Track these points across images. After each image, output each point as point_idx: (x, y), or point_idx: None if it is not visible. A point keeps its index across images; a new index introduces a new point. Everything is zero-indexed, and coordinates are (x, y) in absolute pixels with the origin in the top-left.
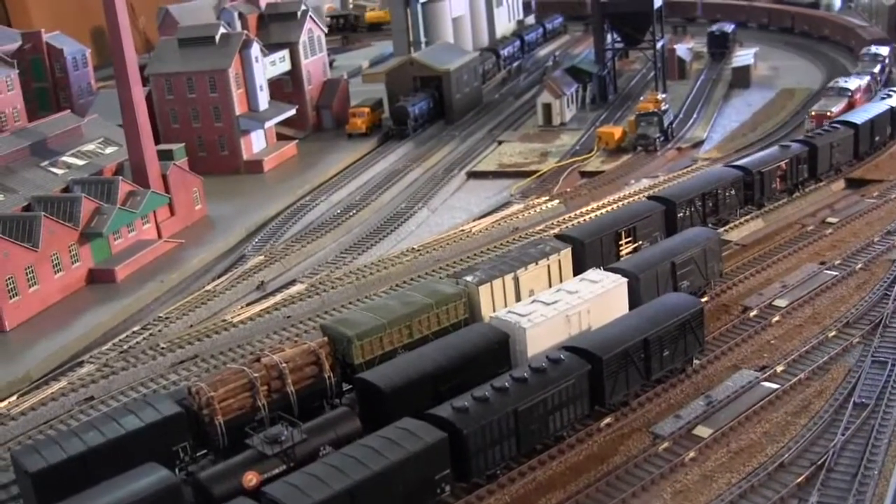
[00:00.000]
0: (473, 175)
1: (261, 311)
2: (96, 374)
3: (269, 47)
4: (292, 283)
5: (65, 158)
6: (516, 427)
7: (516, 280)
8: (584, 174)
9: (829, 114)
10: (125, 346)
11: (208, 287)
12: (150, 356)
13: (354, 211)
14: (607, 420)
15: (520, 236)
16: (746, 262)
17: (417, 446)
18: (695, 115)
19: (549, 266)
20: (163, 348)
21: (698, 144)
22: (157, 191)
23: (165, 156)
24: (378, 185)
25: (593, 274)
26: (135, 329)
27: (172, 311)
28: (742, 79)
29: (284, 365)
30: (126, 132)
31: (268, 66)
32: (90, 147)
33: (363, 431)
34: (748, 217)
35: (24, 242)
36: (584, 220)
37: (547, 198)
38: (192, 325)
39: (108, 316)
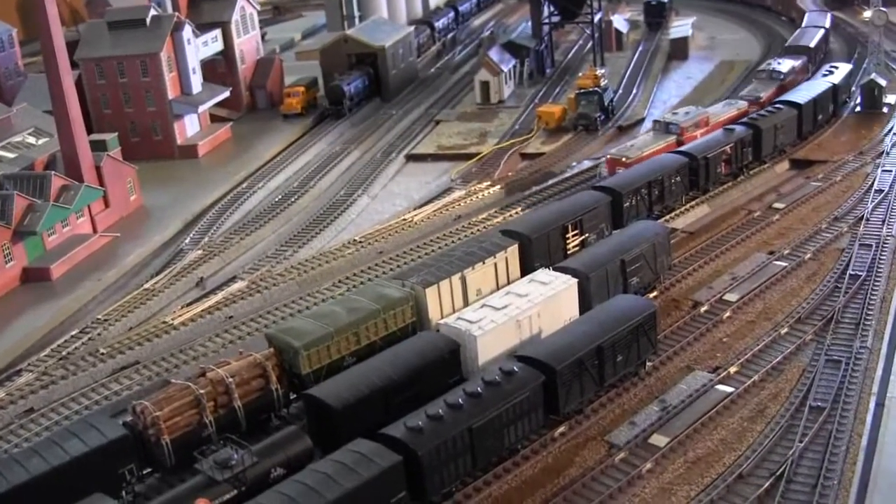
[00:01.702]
0: (412, 158)
1: (201, 311)
2: (35, 383)
3: (201, 27)
4: (233, 279)
5: None
6: (471, 444)
7: (463, 280)
8: (524, 156)
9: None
10: (64, 352)
11: (147, 285)
12: (90, 363)
13: (293, 199)
14: (561, 429)
15: (462, 225)
16: (694, 252)
17: (372, 471)
18: (634, 91)
19: (496, 264)
20: (102, 354)
21: (639, 122)
22: (90, 184)
23: (98, 146)
24: (316, 170)
25: (542, 275)
26: (73, 333)
27: (111, 312)
28: (680, 50)
29: (231, 379)
30: (57, 123)
31: (200, 47)
32: (20, 138)
33: (314, 450)
34: (693, 203)
35: None
36: (526, 211)
37: (488, 183)
38: (131, 328)
39: (45, 319)
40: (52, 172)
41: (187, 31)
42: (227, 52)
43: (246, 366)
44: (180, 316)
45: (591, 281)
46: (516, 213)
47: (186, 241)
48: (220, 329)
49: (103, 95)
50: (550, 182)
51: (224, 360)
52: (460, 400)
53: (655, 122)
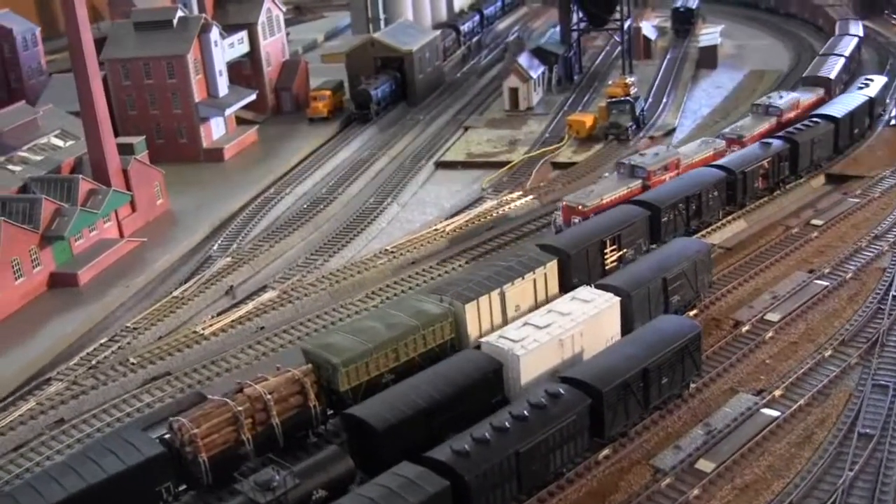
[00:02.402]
0: (442, 165)
1: (232, 321)
2: (65, 393)
3: (227, 29)
4: (263, 288)
5: (21, 153)
6: (518, 468)
7: (502, 296)
8: (556, 165)
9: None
10: (93, 361)
11: (175, 293)
12: (121, 373)
13: (322, 206)
14: (605, 452)
15: (495, 236)
16: (733, 268)
17: (420, 497)
18: (664, 100)
19: (534, 280)
20: (132, 364)
21: (670, 132)
22: (118, 188)
23: (125, 150)
24: (344, 176)
25: (584, 292)
26: (102, 341)
27: (140, 320)
28: (709, 59)
29: (269, 396)
30: (85, 127)
31: (226, 49)
32: (47, 140)
33: (356, 471)
34: (730, 218)
35: None
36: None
37: (520, 193)
38: (160, 337)
39: (73, 326)
40: (80, 176)
41: (214, 32)
42: (253, 54)
43: (284, 382)
44: (210, 326)
45: (633, 299)
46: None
47: (214, 247)
48: (252, 340)
49: (129, 97)
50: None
51: (261, 375)
52: (506, 423)
53: (619, 163)
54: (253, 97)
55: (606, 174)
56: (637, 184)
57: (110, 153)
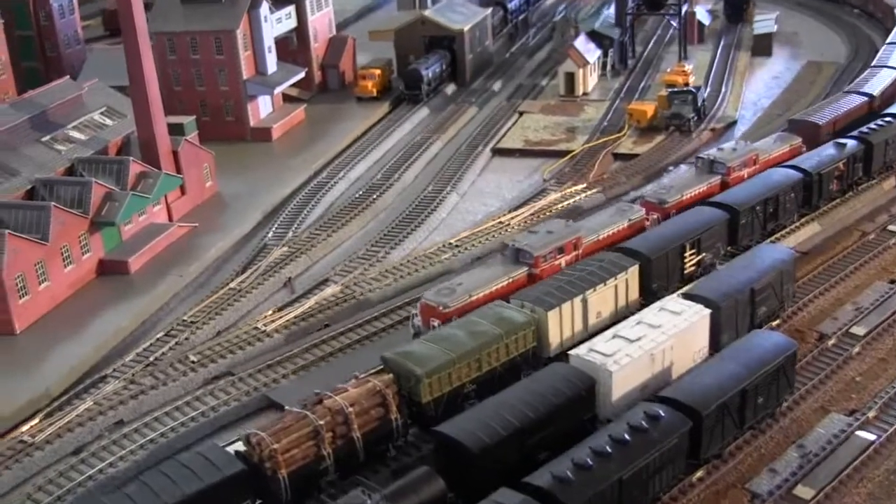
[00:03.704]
0: (499, 152)
1: (295, 318)
2: (124, 392)
3: (274, 3)
4: (324, 282)
5: (67, 132)
6: (619, 495)
7: (584, 303)
8: (616, 156)
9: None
10: (151, 358)
11: (232, 285)
12: (180, 371)
13: (378, 193)
14: (699, 474)
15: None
16: (812, 276)
17: None
18: (723, 89)
19: (616, 286)
20: (193, 362)
21: (731, 125)
22: (168, 171)
23: (175, 130)
24: (398, 161)
25: (673, 303)
26: (159, 336)
27: (197, 313)
28: (764, 46)
29: (350, 409)
30: (135, 106)
31: (274, 24)
32: (92, 118)
33: (447, 494)
34: (803, 221)
35: (33, 236)
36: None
37: (584, 185)
38: (219, 332)
39: (126, 318)
40: (131, 158)
41: (264, 8)
42: (300, 30)
43: (365, 393)
44: (272, 322)
45: (722, 311)
46: None
47: (269, 235)
48: (316, 339)
49: (174, 71)
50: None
51: (341, 386)
52: (607, 447)
53: (698, 158)
54: (302, 75)
55: (682, 171)
56: (716, 179)
57: (161, 134)
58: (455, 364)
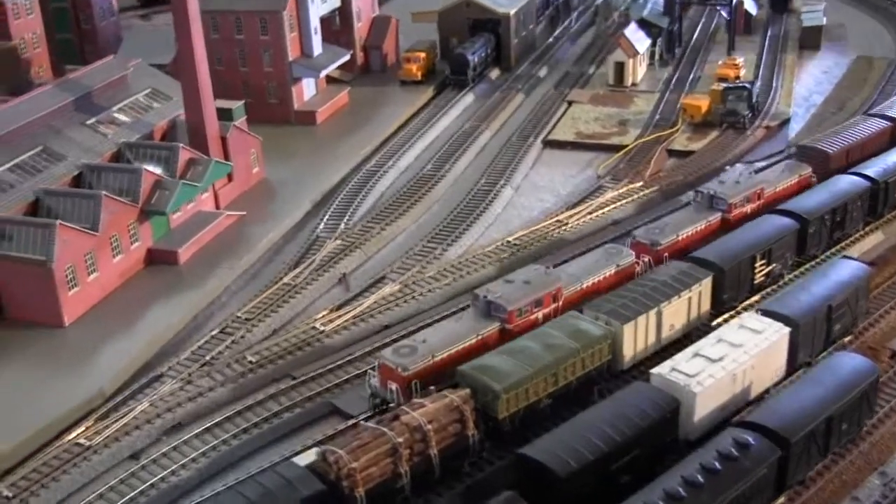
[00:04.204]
0: (550, 144)
1: (353, 318)
2: (180, 394)
3: None
4: (381, 279)
5: (112, 114)
6: None
7: (659, 315)
8: (671, 153)
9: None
10: (207, 357)
11: (286, 280)
12: (238, 373)
13: (429, 185)
14: (781, 500)
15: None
16: (881, 289)
17: None
18: (774, 84)
19: (690, 298)
20: (251, 363)
21: (785, 122)
22: (216, 157)
23: (224, 114)
24: (447, 151)
25: (752, 321)
26: (213, 333)
27: (251, 309)
28: (812, 39)
29: (429, 427)
30: (185, 90)
31: (319, 4)
32: (137, 100)
33: None
34: (868, 229)
35: (83, 225)
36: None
37: (641, 183)
38: (275, 330)
39: (178, 312)
40: (180, 145)
41: None
42: (343, 9)
43: (443, 409)
44: (330, 322)
45: (801, 329)
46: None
47: (320, 226)
48: (377, 341)
49: (217, 51)
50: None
51: (418, 401)
52: (699, 476)
53: (697, 191)
54: (347, 57)
55: (681, 207)
56: (715, 217)
57: (210, 119)
58: (532, 379)
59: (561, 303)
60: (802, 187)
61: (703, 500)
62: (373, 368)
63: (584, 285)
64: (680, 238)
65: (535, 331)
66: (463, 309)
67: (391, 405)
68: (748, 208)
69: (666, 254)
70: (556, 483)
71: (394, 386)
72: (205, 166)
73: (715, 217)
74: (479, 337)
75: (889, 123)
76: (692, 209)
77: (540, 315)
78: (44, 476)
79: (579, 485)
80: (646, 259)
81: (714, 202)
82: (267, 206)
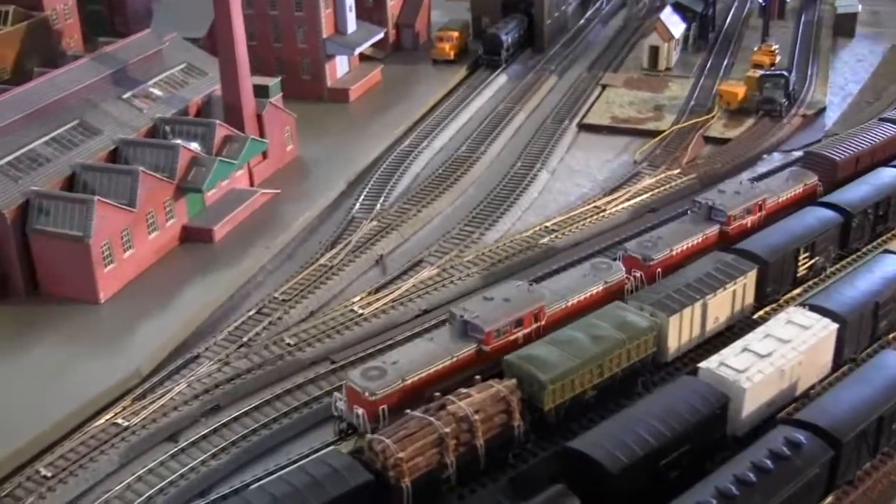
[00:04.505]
0: (585, 128)
1: (391, 301)
2: (218, 375)
3: None
4: (419, 262)
5: (148, 89)
6: None
7: (704, 308)
8: (707, 140)
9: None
10: (244, 338)
11: (323, 261)
12: (276, 355)
13: (465, 167)
14: (829, 500)
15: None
16: None
17: None
18: (809, 72)
19: (734, 291)
20: (289, 345)
21: (821, 111)
22: (252, 134)
23: (260, 91)
24: (482, 132)
25: (800, 316)
26: (251, 313)
27: (288, 290)
28: (846, 26)
29: (476, 417)
30: (222, 67)
31: None
32: (173, 75)
33: None
34: None
35: (120, 201)
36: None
37: (679, 170)
38: (312, 312)
39: (213, 291)
40: (217, 122)
41: None
42: None
43: (489, 399)
44: (368, 305)
45: (848, 326)
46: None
47: (356, 206)
48: (415, 325)
49: (250, 26)
50: None
51: (464, 391)
52: (751, 475)
53: (695, 202)
54: (381, 35)
55: (675, 221)
56: (713, 230)
57: (246, 96)
58: (579, 370)
59: (544, 322)
60: (807, 197)
61: (756, 499)
62: (339, 389)
63: (569, 303)
64: (674, 252)
65: (581, 321)
66: (436, 327)
67: (360, 432)
68: (748, 221)
69: (658, 269)
70: (607, 478)
71: (360, 411)
72: (241, 143)
73: (713, 230)
74: (454, 359)
75: None
76: (689, 220)
77: (520, 335)
78: (81, 456)
79: (629, 480)
80: (637, 274)
81: (712, 214)
82: (301, 184)
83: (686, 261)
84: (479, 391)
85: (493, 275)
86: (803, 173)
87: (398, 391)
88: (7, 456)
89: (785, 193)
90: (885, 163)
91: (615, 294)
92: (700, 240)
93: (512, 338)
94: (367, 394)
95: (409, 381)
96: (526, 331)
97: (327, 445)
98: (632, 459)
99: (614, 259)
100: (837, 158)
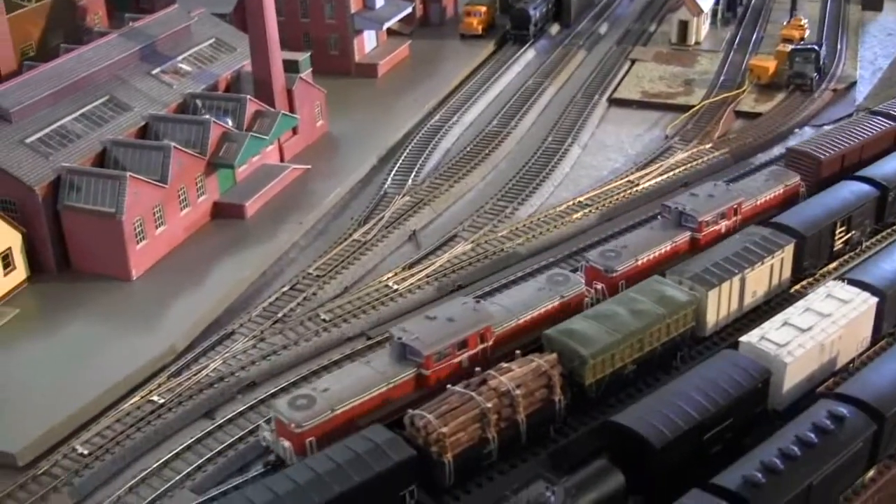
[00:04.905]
0: (615, 102)
1: (425, 277)
2: (254, 351)
3: None
4: (452, 238)
5: (177, 64)
6: (807, 502)
7: (742, 282)
8: (738, 114)
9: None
10: (278, 314)
11: (356, 236)
12: (312, 331)
13: (495, 142)
14: (871, 474)
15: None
16: None
17: None
18: (839, 46)
19: (772, 265)
20: (325, 321)
21: (851, 85)
22: (283, 109)
23: (290, 66)
24: (512, 107)
25: (839, 290)
26: (285, 289)
27: (322, 266)
28: (875, 0)
29: (517, 392)
30: (252, 42)
31: None
32: (201, 50)
33: (626, 489)
34: None
35: (151, 177)
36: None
37: (710, 145)
38: (346, 288)
39: (246, 268)
40: (248, 97)
41: None
42: None
43: (531, 374)
44: (402, 280)
45: (888, 300)
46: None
47: (388, 182)
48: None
49: (278, 2)
50: None
51: (505, 366)
52: (795, 449)
53: (665, 206)
54: (409, 10)
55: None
56: (683, 237)
57: (276, 71)
58: (620, 345)
59: (491, 342)
60: (789, 198)
61: (801, 473)
62: (267, 421)
63: (519, 321)
64: (640, 263)
65: (620, 295)
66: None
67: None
68: (722, 226)
69: (622, 281)
70: (651, 453)
71: (286, 444)
72: (272, 119)
73: (682, 237)
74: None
75: (893, 124)
76: (659, 226)
77: (465, 358)
78: (118, 434)
79: (672, 455)
80: (598, 286)
81: (683, 219)
82: (331, 160)
83: (653, 271)
84: (519, 366)
85: (529, 250)
86: (785, 173)
87: (326, 422)
88: (43, 434)
89: (763, 196)
90: (875, 160)
91: (574, 309)
92: (669, 248)
93: (455, 360)
94: (293, 426)
95: (339, 411)
96: (471, 352)
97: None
98: (675, 434)
99: (575, 270)
100: (822, 157)
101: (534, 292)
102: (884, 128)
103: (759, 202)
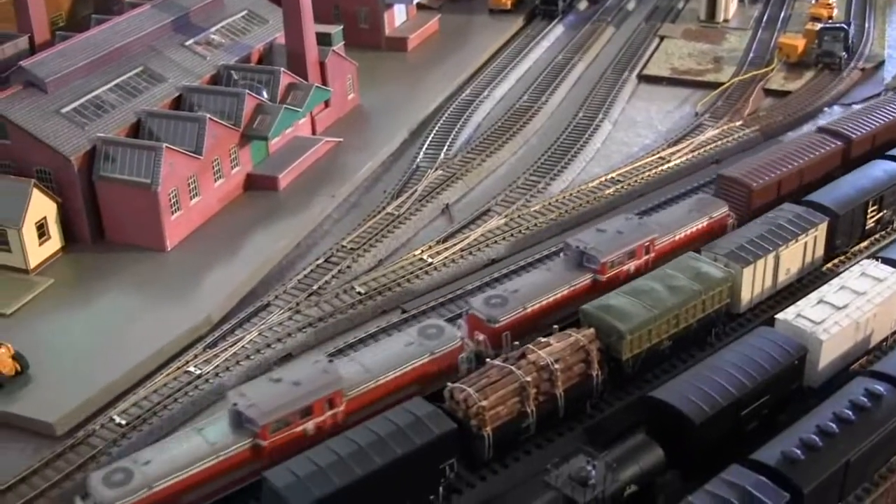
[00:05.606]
0: (645, 79)
1: (459, 251)
2: (289, 323)
3: None
4: (485, 213)
5: (210, 36)
6: (844, 478)
7: (777, 259)
8: (767, 92)
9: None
10: (314, 286)
11: (389, 209)
12: (347, 304)
13: (526, 117)
14: None
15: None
16: None
17: None
18: (867, 25)
19: (806, 243)
20: (360, 294)
21: (880, 65)
22: (315, 82)
23: (322, 39)
24: (542, 83)
25: (874, 268)
26: (319, 262)
27: (356, 238)
28: None
29: (556, 366)
30: (286, 14)
31: None
32: (234, 22)
33: (665, 464)
34: None
35: (186, 149)
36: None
37: (741, 122)
38: (381, 261)
39: (280, 240)
40: (282, 69)
41: None
42: None
43: (569, 349)
44: (437, 254)
45: None
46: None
47: (420, 155)
48: (486, 275)
49: None
50: None
51: (544, 340)
52: (833, 426)
53: (566, 244)
54: None
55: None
56: (584, 280)
57: (310, 44)
58: (656, 321)
59: (342, 408)
60: (714, 231)
61: (840, 450)
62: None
63: (379, 382)
64: (529, 310)
65: (656, 271)
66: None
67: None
68: (631, 266)
69: (506, 333)
70: (689, 428)
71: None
72: (305, 91)
73: (583, 280)
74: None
75: (840, 143)
76: (559, 265)
77: (311, 426)
78: (155, 404)
79: (711, 430)
80: (480, 337)
81: (584, 259)
82: (363, 133)
83: (545, 318)
84: (557, 340)
85: (561, 225)
86: (712, 202)
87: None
88: (80, 404)
89: (683, 230)
90: (818, 186)
91: (447, 367)
92: (566, 292)
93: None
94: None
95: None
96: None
97: None
98: (714, 410)
99: (458, 316)
100: (753, 184)
101: (401, 349)
102: (828, 148)
103: (676, 237)
